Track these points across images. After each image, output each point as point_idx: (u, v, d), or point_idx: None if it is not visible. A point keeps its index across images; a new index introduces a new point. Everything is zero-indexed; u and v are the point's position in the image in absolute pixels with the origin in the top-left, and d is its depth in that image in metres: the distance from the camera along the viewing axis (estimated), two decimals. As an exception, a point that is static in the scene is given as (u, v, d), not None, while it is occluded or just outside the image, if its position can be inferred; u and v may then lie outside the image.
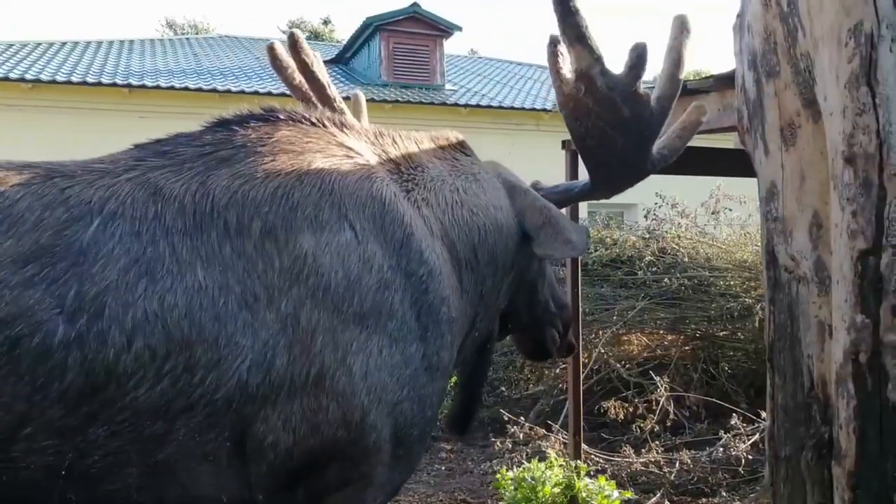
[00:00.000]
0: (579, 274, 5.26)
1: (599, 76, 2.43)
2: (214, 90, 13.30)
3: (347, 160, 2.30)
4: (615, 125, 2.54)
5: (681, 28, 2.66)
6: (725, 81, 4.20)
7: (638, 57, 2.47)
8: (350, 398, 2.05)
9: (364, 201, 2.21)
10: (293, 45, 2.91)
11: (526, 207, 2.70)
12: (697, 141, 6.57)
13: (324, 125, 2.45)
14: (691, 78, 4.52)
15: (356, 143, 2.44)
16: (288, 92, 3.04)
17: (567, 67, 2.52)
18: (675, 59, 2.66)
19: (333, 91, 3.00)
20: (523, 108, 15.21)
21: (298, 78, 2.94)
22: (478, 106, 15.00)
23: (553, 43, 2.52)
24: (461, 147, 2.77)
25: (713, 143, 6.42)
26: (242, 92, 13.28)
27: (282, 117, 2.38)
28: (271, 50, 2.93)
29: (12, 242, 1.84)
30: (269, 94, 12.82)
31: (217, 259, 1.98)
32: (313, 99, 2.92)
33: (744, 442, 5.71)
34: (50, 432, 1.81)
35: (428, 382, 2.23)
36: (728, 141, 6.53)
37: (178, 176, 2.07)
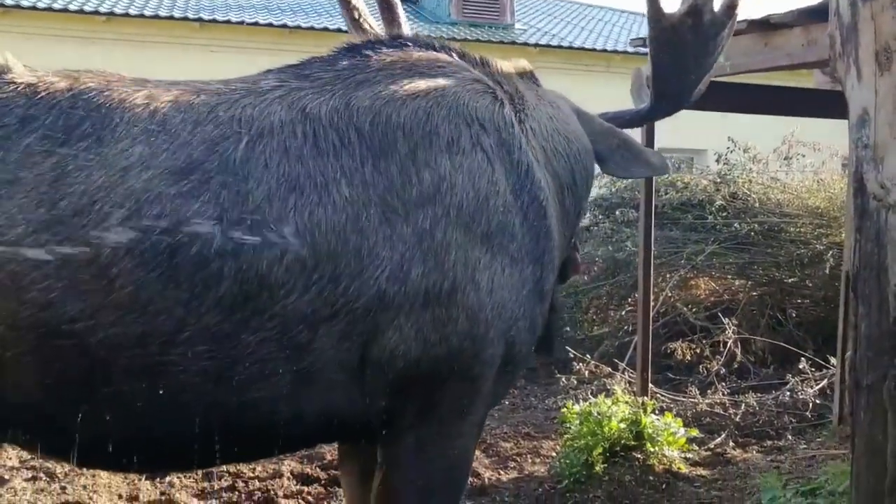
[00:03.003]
0: (653, 216, 5.22)
1: (708, 13, 2.61)
2: (284, 25, 13.33)
3: (475, 85, 2.38)
4: (699, 59, 2.71)
5: None
6: (810, 15, 4.06)
7: (735, 3, 2.67)
8: (477, 312, 2.15)
9: (493, 127, 2.30)
10: None
11: (597, 132, 2.77)
12: (776, 79, 6.43)
13: (448, 52, 2.53)
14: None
15: (476, 70, 2.52)
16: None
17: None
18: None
19: (407, 30, 2.98)
20: (594, 49, 14.91)
21: (360, 14, 2.95)
22: (548, 46, 14.74)
23: None
24: (533, 76, 2.81)
25: (794, 81, 6.25)
26: (312, 28, 13.30)
27: (410, 44, 2.47)
28: None
29: (168, 156, 1.94)
30: (339, 30, 12.78)
31: (359, 176, 2.07)
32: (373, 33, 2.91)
33: (811, 387, 5.67)
34: (206, 338, 1.92)
35: (537, 304, 2.34)
36: (808, 80, 6.34)
37: (321, 97, 2.16)
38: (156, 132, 1.95)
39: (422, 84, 2.28)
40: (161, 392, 1.93)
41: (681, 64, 2.72)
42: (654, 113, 2.97)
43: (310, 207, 1.99)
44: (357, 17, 2.93)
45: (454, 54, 2.55)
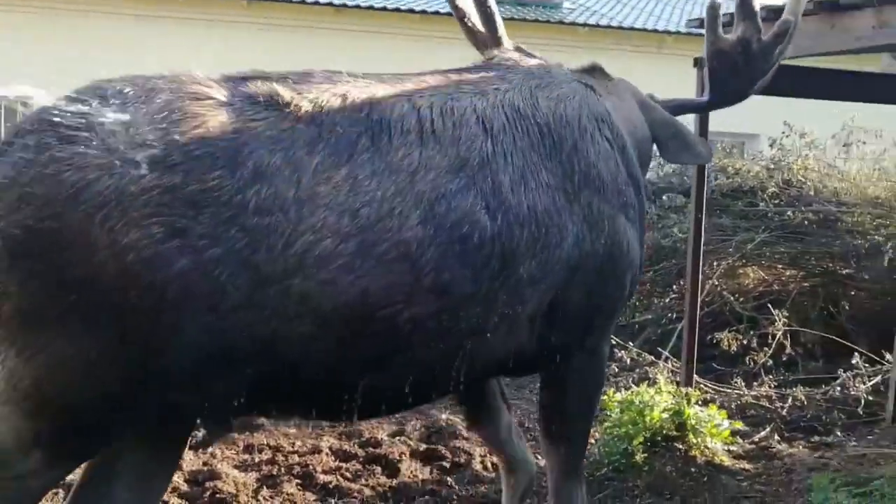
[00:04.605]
0: (704, 202, 5.11)
1: (756, 43, 3.09)
2: (424, 11, 13.45)
3: (589, 90, 2.92)
4: (750, 76, 3.19)
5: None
6: (882, -3, 3.89)
7: (785, 31, 3.11)
8: (621, 265, 2.76)
9: (606, 121, 2.82)
10: None
11: (655, 120, 3.19)
12: (838, 63, 6.21)
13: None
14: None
15: (584, 76, 3.04)
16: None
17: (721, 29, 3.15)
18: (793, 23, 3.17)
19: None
20: (645, 30, 14.63)
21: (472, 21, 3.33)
22: (597, 26, 14.51)
23: (714, 7, 3.12)
24: (602, 70, 3.21)
25: (856, 65, 6.05)
26: (439, 12, 13.29)
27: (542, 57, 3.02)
28: None
29: (441, 157, 2.32)
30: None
31: (549, 166, 2.56)
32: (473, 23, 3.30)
33: (864, 383, 5.50)
34: (479, 303, 2.36)
35: (642, 257, 3.00)
36: (870, 64, 6.13)
37: (521, 96, 2.64)
38: (427, 136, 2.33)
39: (567, 89, 2.80)
40: (437, 350, 2.36)
41: (734, 75, 3.19)
42: (711, 107, 3.48)
43: (532, 192, 2.46)
44: (470, 24, 3.29)
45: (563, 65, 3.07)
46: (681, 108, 3.44)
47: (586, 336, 2.84)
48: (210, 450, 4.41)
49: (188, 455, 4.33)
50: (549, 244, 2.49)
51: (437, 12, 13.36)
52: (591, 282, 2.67)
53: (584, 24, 14.49)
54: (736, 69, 3.13)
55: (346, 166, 2.17)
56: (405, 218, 2.20)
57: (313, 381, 2.28)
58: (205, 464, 4.26)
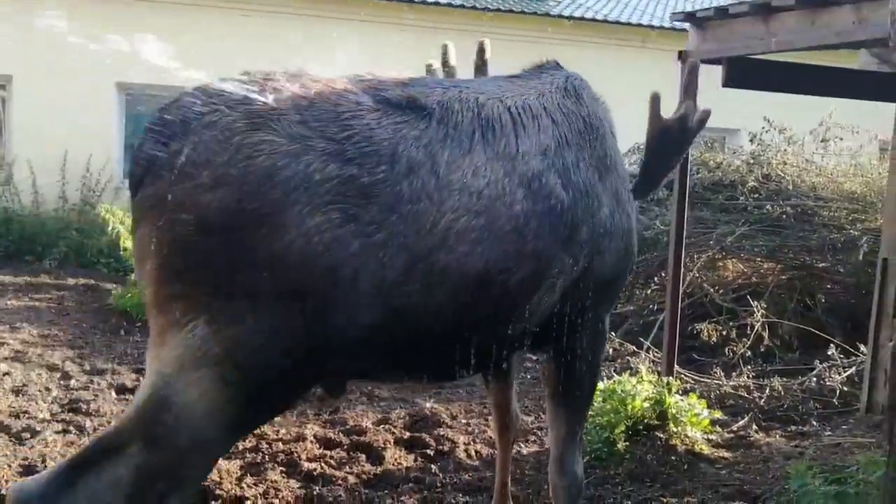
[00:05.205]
0: (686, 196, 5.17)
1: (689, 123, 3.54)
2: (412, 1, 13.23)
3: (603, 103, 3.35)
4: (679, 152, 3.70)
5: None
6: (862, -8, 3.95)
7: (706, 119, 3.54)
8: (633, 241, 3.17)
9: (613, 126, 3.22)
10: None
11: None
12: (817, 59, 6.28)
13: None
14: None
15: None
16: None
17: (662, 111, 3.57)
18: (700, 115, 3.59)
19: None
20: (630, 24, 14.64)
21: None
22: (582, 19, 14.50)
23: (657, 98, 3.49)
24: None
25: (836, 62, 6.12)
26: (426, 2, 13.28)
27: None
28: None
29: (531, 144, 2.73)
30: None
31: (588, 150, 2.96)
32: None
33: (839, 374, 5.61)
34: (556, 264, 2.71)
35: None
36: (846, 60, 6.20)
37: (568, 95, 3.05)
38: (518, 128, 2.73)
39: (594, 92, 3.23)
40: (523, 307, 2.68)
41: (664, 157, 3.62)
42: (640, 194, 3.76)
43: (583, 170, 2.87)
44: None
45: None
46: None
47: (600, 302, 3.14)
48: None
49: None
50: (594, 212, 2.88)
51: (423, 2, 13.31)
52: (616, 250, 3.03)
53: (570, 17, 14.44)
54: (672, 145, 3.58)
55: (468, 156, 2.54)
56: (514, 195, 2.58)
57: (435, 343, 2.59)
58: (189, 451, 4.25)
